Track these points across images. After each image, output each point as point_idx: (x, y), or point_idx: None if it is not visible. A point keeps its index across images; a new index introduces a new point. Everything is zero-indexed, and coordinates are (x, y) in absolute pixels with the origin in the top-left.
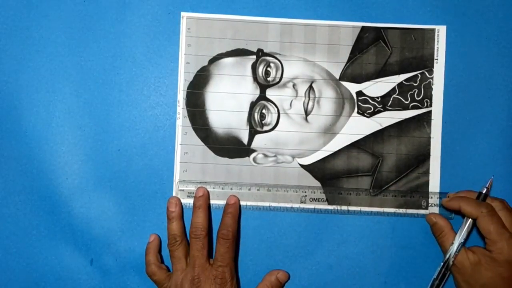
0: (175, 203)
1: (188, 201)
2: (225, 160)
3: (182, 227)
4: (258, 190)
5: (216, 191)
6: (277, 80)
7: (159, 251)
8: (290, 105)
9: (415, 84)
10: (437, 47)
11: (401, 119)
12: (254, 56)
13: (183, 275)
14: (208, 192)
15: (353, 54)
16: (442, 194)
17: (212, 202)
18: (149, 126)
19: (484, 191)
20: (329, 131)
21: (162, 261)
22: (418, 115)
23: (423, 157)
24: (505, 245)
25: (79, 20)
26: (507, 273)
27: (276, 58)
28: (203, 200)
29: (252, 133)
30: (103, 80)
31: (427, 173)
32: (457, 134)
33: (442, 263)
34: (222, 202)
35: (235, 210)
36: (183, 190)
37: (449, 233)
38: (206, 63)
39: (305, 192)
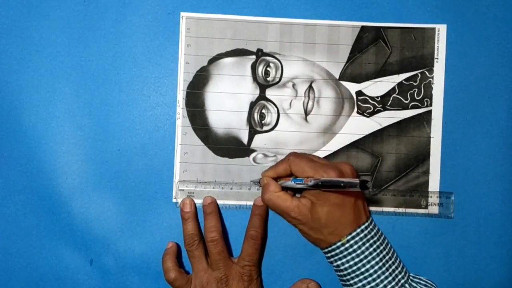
0: (189, 203)
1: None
2: (225, 160)
3: (198, 227)
4: (258, 189)
5: (216, 191)
6: (277, 80)
7: (177, 257)
8: (290, 105)
9: (415, 84)
10: (437, 46)
11: (400, 119)
12: (254, 56)
13: (207, 275)
14: (215, 199)
15: (353, 53)
16: (442, 194)
17: None
18: (149, 126)
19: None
20: (329, 131)
21: (180, 266)
22: (418, 114)
23: (423, 156)
24: (322, 174)
25: (79, 20)
26: (337, 199)
27: (276, 58)
28: (213, 206)
29: (252, 133)
30: (103, 80)
31: (427, 172)
32: (457, 134)
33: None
34: (222, 202)
35: (263, 211)
36: (183, 190)
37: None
38: (205, 63)
39: None
